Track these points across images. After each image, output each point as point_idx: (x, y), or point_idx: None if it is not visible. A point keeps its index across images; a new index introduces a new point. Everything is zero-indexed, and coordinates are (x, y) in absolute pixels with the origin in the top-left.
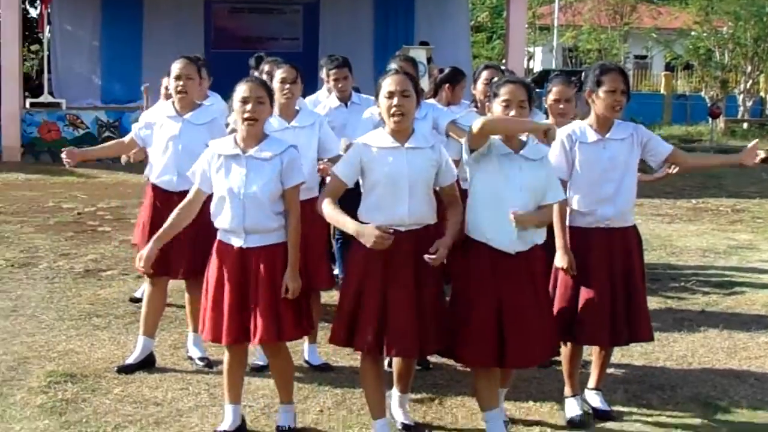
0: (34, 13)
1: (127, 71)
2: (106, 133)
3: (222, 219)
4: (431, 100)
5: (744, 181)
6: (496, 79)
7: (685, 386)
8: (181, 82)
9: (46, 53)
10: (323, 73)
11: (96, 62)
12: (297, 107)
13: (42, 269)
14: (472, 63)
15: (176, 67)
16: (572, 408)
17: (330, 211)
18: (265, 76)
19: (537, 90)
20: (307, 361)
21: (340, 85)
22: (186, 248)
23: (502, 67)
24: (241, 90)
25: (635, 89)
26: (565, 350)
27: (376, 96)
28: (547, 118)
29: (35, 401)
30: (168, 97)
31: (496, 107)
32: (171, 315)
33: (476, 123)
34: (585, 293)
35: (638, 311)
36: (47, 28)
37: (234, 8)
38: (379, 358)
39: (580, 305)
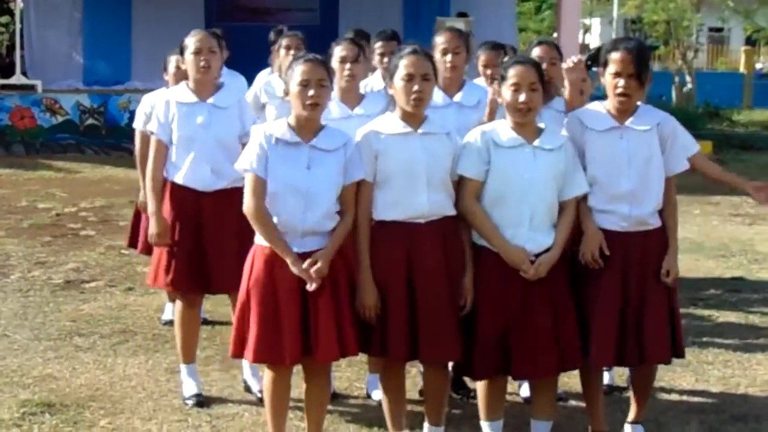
0: None
1: (114, 48)
2: (90, 121)
3: (275, 219)
4: (481, 81)
5: None
6: (506, 59)
7: None
8: (203, 57)
9: (18, 26)
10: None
11: (77, 37)
12: (362, 91)
13: (14, 280)
14: (518, 37)
15: (194, 40)
16: None
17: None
18: (282, 52)
19: (594, 69)
20: (368, 395)
21: (387, 60)
22: (227, 258)
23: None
24: (299, 71)
25: (710, 67)
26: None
27: (391, 76)
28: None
29: None
30: (180, 79)
31: (505, 91)
32: (167, 334)
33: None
34: (594, 305)
35: (655, 328)
36: None
37: None
38: (403, 367)
39: (588, 319)
